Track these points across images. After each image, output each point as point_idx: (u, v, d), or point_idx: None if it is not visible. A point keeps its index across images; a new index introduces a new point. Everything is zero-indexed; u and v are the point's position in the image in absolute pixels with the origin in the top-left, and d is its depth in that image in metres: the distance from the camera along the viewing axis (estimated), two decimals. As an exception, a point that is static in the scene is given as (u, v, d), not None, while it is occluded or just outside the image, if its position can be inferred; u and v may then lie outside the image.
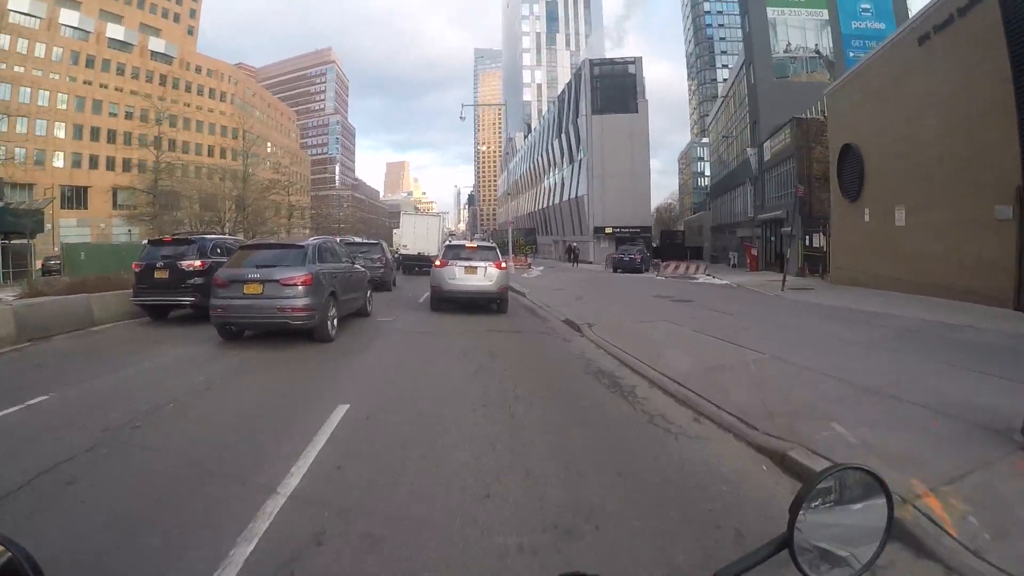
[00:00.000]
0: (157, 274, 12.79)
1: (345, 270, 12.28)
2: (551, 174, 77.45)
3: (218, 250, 13.71)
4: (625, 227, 55.16)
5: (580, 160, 60.54)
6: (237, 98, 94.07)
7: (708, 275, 34.13)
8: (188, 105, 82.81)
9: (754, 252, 42.99)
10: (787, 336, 11.00)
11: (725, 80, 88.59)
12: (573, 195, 63.07)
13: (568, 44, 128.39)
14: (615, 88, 58.73)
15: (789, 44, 45.05)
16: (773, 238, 41.79)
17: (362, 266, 14.78)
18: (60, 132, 64.50)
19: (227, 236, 19.52)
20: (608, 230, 55.87)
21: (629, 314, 14.03)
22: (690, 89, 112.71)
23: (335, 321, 10.91)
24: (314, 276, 10.07)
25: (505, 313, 15.09)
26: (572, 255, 51.80)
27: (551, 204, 74.68)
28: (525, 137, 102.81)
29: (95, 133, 67.05)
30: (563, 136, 68.26)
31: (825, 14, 45.48)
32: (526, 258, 44.48)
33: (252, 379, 8.04)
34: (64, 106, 65.14)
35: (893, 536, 2.86)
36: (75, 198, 62.49)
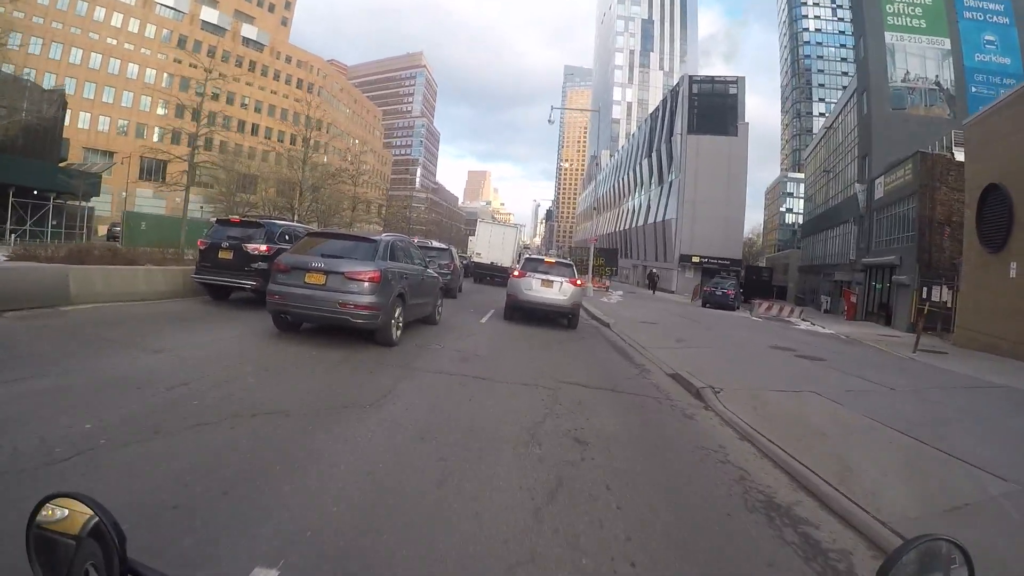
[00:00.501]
0: (222, 254, 12.49)
1: (417, 273, 11.40)
2: (636, 194, 74.48)
3: (286, 237, 13.21)
4: (713, 258, 51.94)
5: (670, 182, 57.46)
6: (324, 91, 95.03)
7: (805, 320, 31.45)
8: (275, 92, 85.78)
9: (853, 299, 39.58)
10: (1006, 440, 7.67)
11: (822, 114, 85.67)
12: (660, 218, 59.72)
13: (661, 65, 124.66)
14: (714, 108, 55.49)
15: (908, 73, 41.73)
16: (878, 285, 38.21)
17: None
18: (145, 106, 66.18)
19: (297, 224, 18.95)
20: (695, 259, 52.63)
21: (756, 374, 10.97)
22: (783, 122, 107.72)
23: (401, 324, 10.17)
24: (383, 273, 9.29)
25: (575, 329, 15.59)
26: (651, 282, 48.68)
27: (633, 226, 71.69)
28: (611, 156, 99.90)
29: (179, 111, 65.55)
30: (653, 155, 65.20)
31: (947, 43, 42.05)
32: (605, 280, 41.84)
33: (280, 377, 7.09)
34: (151, 81, 66.61)
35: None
36: (153, 170, 62.45)
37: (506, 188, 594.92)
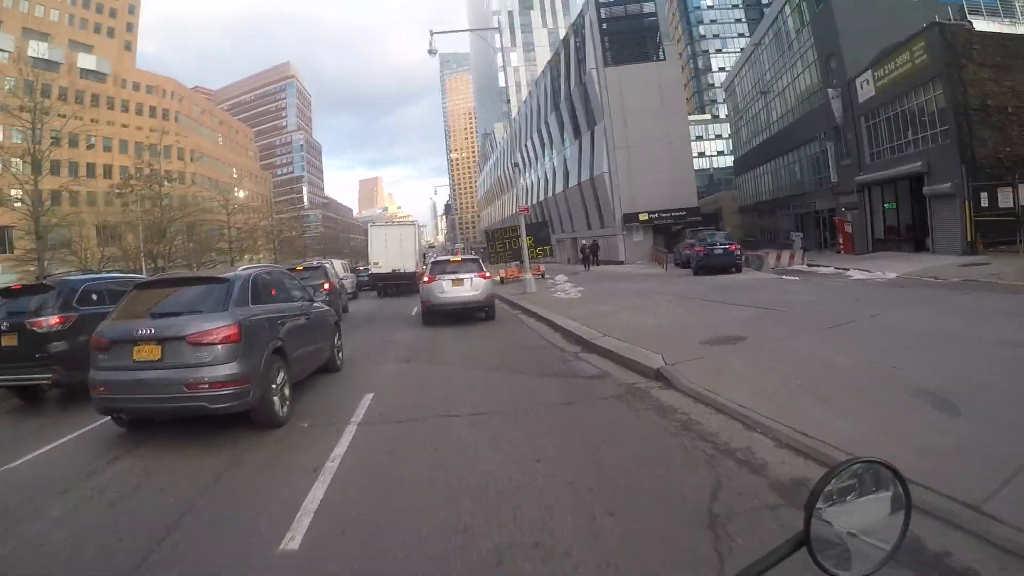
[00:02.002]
0: (4, 341, 8.90)
1: (297, 311, 8.37)
2: (546, 159, 63.82)
3: (93, 296, 9.68)
4: (665, 211, 41.93)
5: (592, 131, 46.76)
6: (182, 115, 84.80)
7: (828, 265, 25.07)
8: (126, 126, 74.55)
9: (848, 229, 31.84)
10: None
11: (719, 50, 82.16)
12: (586, 176, 48.78)
13: (544, 23, 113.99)
14: (632, 32, 45.34)
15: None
16: (890, 205, 30.39)
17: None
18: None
19: (112, 274, 14.44)
20: (643, 216, 42.24)
21: None
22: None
23: (287, 391, 7.16)
24: (244, 327, 6.44)
25: (493, 320, 15.56)
26: (586, 256, 39.01)
27: (551, 195, 60.69)
28: (507, 128, 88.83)
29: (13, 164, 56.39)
30: (562, 106, 54.21)
31: None
32: (539, 264, 31.62)
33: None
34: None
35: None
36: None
37: (400, 191, 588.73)
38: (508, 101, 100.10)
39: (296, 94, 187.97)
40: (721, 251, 24.78)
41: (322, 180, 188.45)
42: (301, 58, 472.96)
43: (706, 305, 13.93)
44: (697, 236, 28.64)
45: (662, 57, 44.42)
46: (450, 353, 11.03)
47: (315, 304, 9.43)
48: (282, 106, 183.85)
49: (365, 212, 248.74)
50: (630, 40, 45.05)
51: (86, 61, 71.18)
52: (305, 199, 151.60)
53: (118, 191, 46.53)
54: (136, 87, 77.88)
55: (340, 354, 10.35)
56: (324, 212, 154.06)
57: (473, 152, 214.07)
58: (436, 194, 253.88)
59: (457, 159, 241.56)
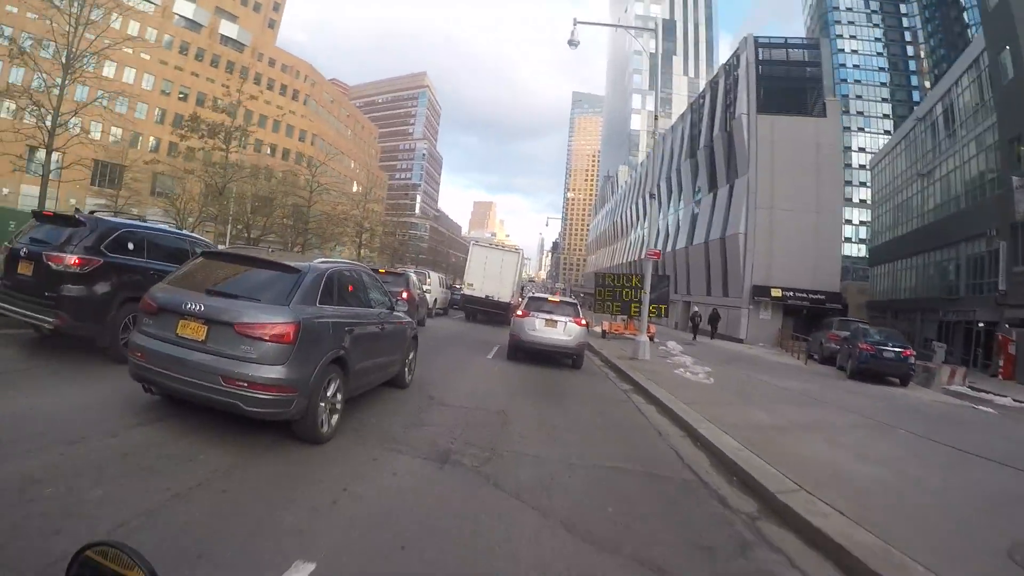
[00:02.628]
0: (21, 268, 8.05)
1: (374, 319, 7.54)
2: (672, 209, 58.17)
3: (129, 245, 8.57)
4: (802, 291, 36.34)
5: (732, 185, 41.35)
6: (312, 100, 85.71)
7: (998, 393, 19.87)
8: (254, 98, 72.58)
9: (1012, 350, 26.29)
10: None
11: (861, 129, 75.53)
12: (716, 234, 42.88)
13: (686, 70, 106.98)
14: (791, 80, 40.34)
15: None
16: None
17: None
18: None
19: (165, 226, 11.21)
20: (776, 292, 36.59)
21: None
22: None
23: (338, 407, 6.27)
24: (303, 328, 5.66)
25: (580, 369, 14.78)
26: (696, 324, 33.97)
27: (671, 250, 54.23)
28: (632, 171, 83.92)
29: (142, 110, 59.53)
30: (700, 154, 48.78)
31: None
32: (651, 326, 26.63)
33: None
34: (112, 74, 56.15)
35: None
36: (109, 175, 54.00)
37: (513, 220, 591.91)
38: (636, 146, 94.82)
39: (427, 104, 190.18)
40: (892, 355, 19.25)
41: (437, 193, 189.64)
42: (439, 70, 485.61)
43: (930, 448, 9.09)
44: (852, 328, 23.28)
45: (822, 113, 39.04)
46: (520, 450, 6.68)
47: (396, 312, 8.54)
48: (412, 113, 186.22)
49: (474, 232, 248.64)
50: (789, 89, 40.06)
51: (228, 29, 72.42)
52: (417, 207, 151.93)
53: (183, 129, 43.56)
54: (272, 63, 78.76)
55: (411, 371, 9.46)
56: (433, 224, 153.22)
57: (591, 194, 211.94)
58: (548, 225, 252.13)
59: (573, 199, 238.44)
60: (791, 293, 36.41)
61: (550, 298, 16.14)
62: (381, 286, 8.55)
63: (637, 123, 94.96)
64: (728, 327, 37.70)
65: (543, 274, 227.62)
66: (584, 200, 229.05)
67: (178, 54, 65.46)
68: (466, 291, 27.73)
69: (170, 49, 64.50)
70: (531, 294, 19.77)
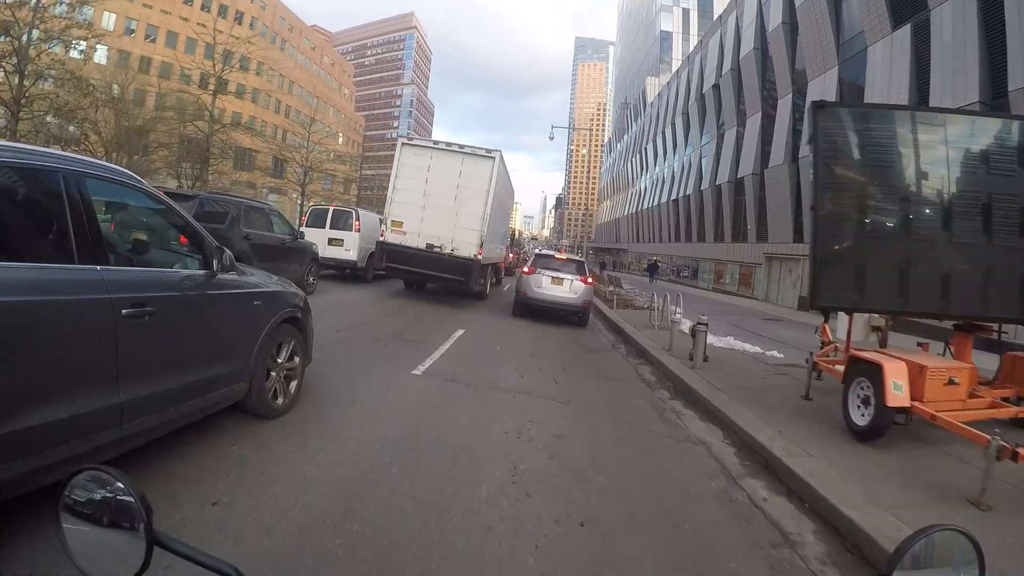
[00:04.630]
0: None
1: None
2: (724, 128, 43.06)
3: None
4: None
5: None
6: (261, 23, 70.51)
7: None
8: (185, 20, 61.32)
9: None
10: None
11: None
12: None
13: None
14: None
15: None
16: None
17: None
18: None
19: None
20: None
21: None
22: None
23: None
24: None
25: (585, 327, 14.75)
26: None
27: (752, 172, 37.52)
28: (667, 83, 65.97)
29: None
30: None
31: None
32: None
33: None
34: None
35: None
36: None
37: (518, 180, 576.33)
38: (668, 53, 75.52)
39: (416, 47, 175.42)
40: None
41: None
42: (439, 25, 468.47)
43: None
44: None
45: None
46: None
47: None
48: (398, 57, 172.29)
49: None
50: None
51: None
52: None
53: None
54: None
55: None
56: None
57: (598, 147, 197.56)
58: (546, 197, 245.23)
59: (576, 150, 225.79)
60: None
61: (556, 256, 15.93)
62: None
63: (669, 23, 75.27)
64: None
65: (546, 232, 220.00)
66: (589, 156, 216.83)
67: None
68: (390, 236, 14.81)
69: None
70: (537, 251, 17.84)
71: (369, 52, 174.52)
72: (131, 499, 1.19)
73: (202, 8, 63.87)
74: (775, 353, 11.97)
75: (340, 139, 68.75)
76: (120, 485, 1.21)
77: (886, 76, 23.18)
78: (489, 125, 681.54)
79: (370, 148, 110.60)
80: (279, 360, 5.15)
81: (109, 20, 52.78)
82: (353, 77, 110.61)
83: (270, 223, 13.25)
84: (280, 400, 5.12)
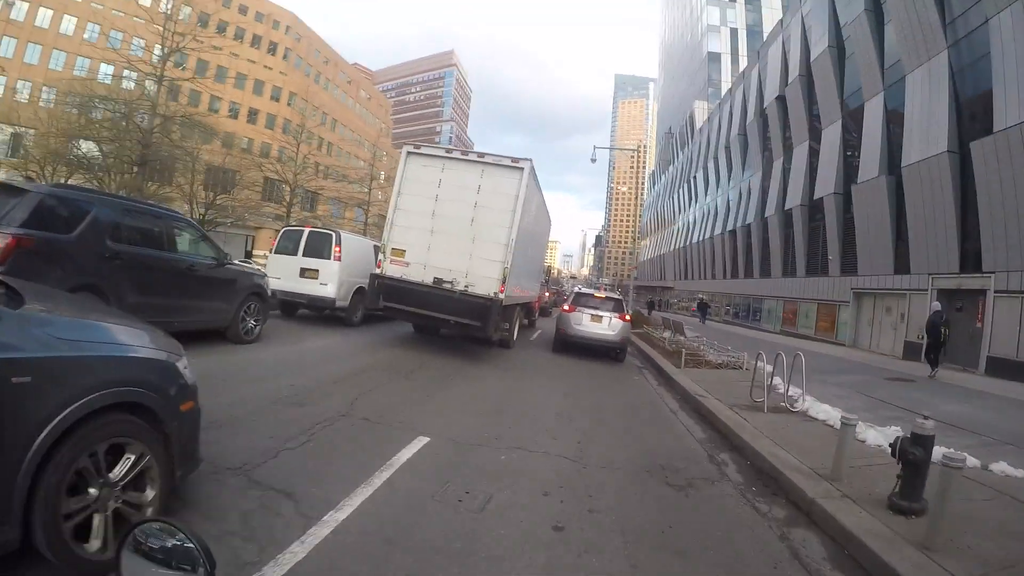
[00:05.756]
0: None
1: None
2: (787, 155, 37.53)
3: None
4: None
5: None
6: (298, 55, 69.42)
7: None
8: (219, 50, 55.82)
9: None
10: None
11: None
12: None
13: None
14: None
15: None
16: None
17: None
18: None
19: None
20: None
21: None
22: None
23: None
24: None
25: (622, 363, 14.77)
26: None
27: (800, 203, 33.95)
28: (718, 107, 60.69)
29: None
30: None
31: None
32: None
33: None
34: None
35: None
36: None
37: (559, 219, 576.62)
38: (718, 72, 69.76)
39: (455, 84, 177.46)
40: None
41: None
42: (479, 66, 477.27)
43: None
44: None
45: None
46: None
47: None
48: (438, 95, 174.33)
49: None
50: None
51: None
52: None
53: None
54: (243, 11, 62.49)
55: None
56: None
57: (639, 182, 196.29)
58: (585, 235, 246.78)
59: (616, 191, 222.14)
60: None
61: (596, 294, 16.23)
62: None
63: (716, 44, 69.59)
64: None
65: (585, 271, 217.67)
66: (624, 195, 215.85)
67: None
68: (389, 268, 11.84)
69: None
70: (577, 288, 18.01)
71: (411, 90, 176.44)
72: (197, 552, 1.21)
73: (253, 44, 63.27)
74: (1006, 467, 6.19)
75: (382, 176, 65.76)
76: (186, 537, 1.23)
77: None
78: (536, 166, 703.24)
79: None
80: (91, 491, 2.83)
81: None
82: (391, 113, 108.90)
83: (171, 239, 8.92)
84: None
